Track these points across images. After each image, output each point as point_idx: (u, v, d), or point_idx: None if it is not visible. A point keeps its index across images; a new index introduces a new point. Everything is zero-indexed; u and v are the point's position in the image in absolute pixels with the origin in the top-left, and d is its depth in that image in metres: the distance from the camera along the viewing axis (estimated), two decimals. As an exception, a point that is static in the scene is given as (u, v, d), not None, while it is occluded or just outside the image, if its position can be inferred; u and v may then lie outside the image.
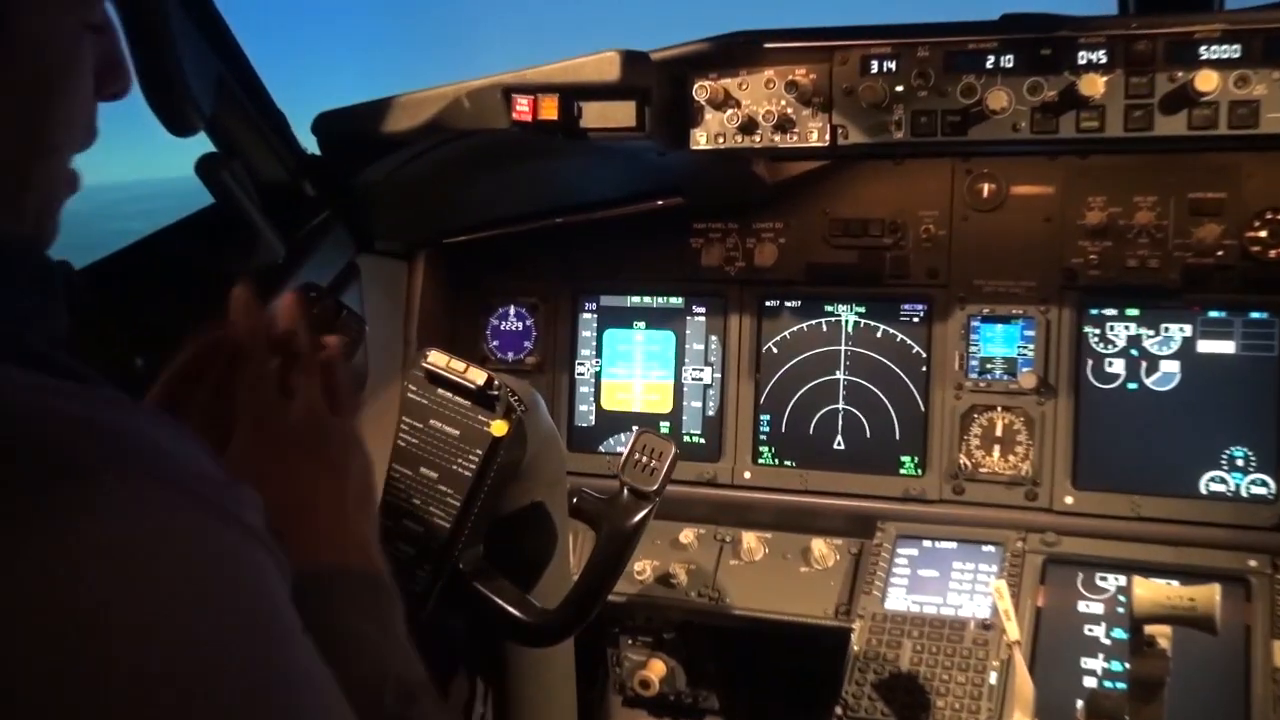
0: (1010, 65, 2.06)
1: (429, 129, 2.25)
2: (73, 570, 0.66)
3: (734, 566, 2.56)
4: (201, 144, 2.05)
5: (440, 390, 1.59)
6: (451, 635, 1.82)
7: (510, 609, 1.58)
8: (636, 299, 2.73)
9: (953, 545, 2.39)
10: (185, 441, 0.79)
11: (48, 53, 0.84)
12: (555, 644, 1.68)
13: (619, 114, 2.14)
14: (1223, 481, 2.29)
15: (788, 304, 2.61)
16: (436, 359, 1.59)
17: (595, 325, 2.76)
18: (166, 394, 1.19)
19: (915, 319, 2.51)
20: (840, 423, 2.56)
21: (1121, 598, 2.22)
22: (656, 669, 2.65)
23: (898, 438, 2.52)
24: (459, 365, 1.58)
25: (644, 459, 1.54)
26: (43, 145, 0.87)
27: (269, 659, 0.74)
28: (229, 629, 0.71)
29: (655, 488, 1.54)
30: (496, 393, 1.56)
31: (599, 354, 2.75)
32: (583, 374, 2.77)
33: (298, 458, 1.14)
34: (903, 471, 2.51)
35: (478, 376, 1.57)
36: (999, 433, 2.43)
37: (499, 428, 1.55)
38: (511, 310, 2.83)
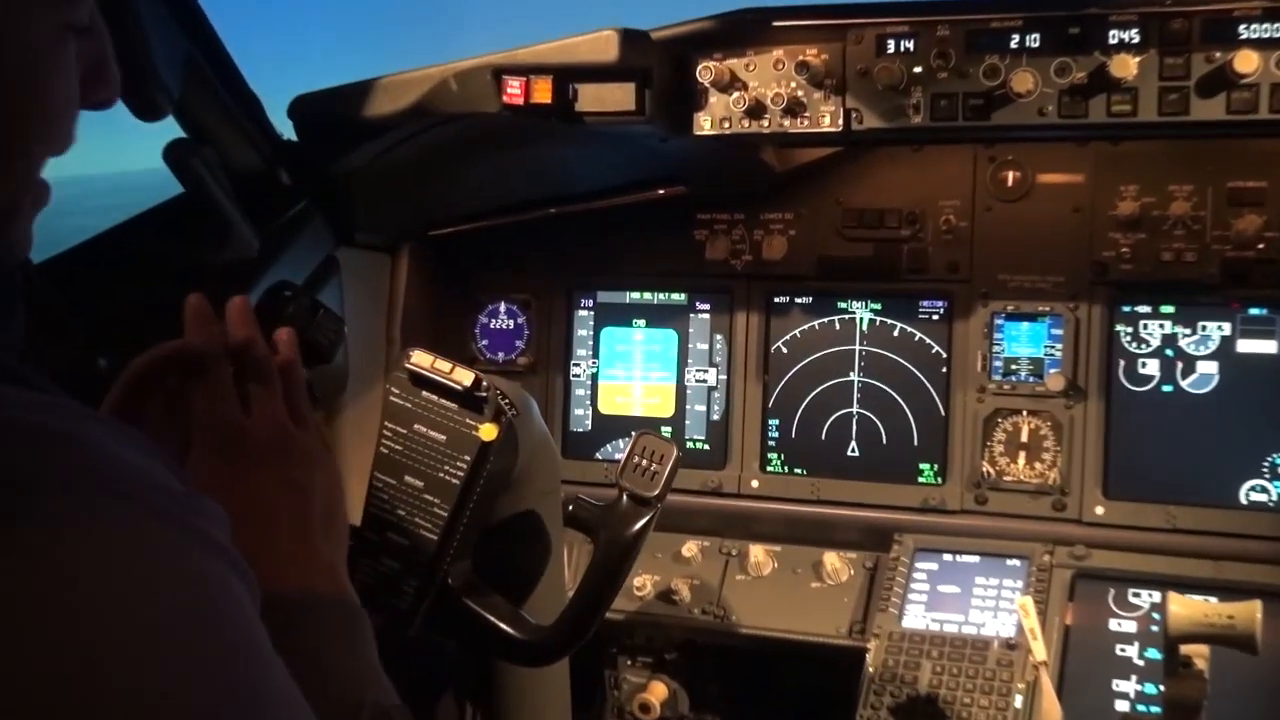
0: (1036, 45, 2.06)
1: (413, 113, 2.25)
2: (30, 589, 0.68)
3: (740, 582, 2.57)
4: (169, 130, 2.06)
5: (425, 393, 1.60)
6: (439, 655, 1.82)
7: (503, 626, 1.58)
8: (636, 295, 2.73)
9: (975, 559, 2.39)
10: (147, 455, 0.80)
11: (24, 53, 0.85)
12: (551, 663, 1.68)
13: (617, 97, 2.14)
14: (1264, 491, 2.29)
15: (798, 300, 2.61)
16: (420, 359, 1.59)
17: (592, 323, 2.76)
18: (118, 405, 1.19)
19: (935, 317, 2.51)
20: (854, 428, 2.56)
21: (1156, 615, 2.22)
22: (657, 691, 2.65)
23: (916, 444, 2.52)
24: (444, 365, 1.58)
25: (644, 462, 1.55)
26: (14, 147, 0.87)
27: (238, 677, 0.75)
28: (194, 647, 0.73)
29: (657, 493, 1.54)
30: (485, 394, 1.56)
31: (596, 354, 2.76)
32: (578, 376, 2.77)
33: (259, 476, 1.15)
34: (921, 480, 2.51)
35: (464, 377, 1.57)
36: (1024, 438, 2.43)
37: (488, 431, 1.55)
38: (502, 307, 2.84)
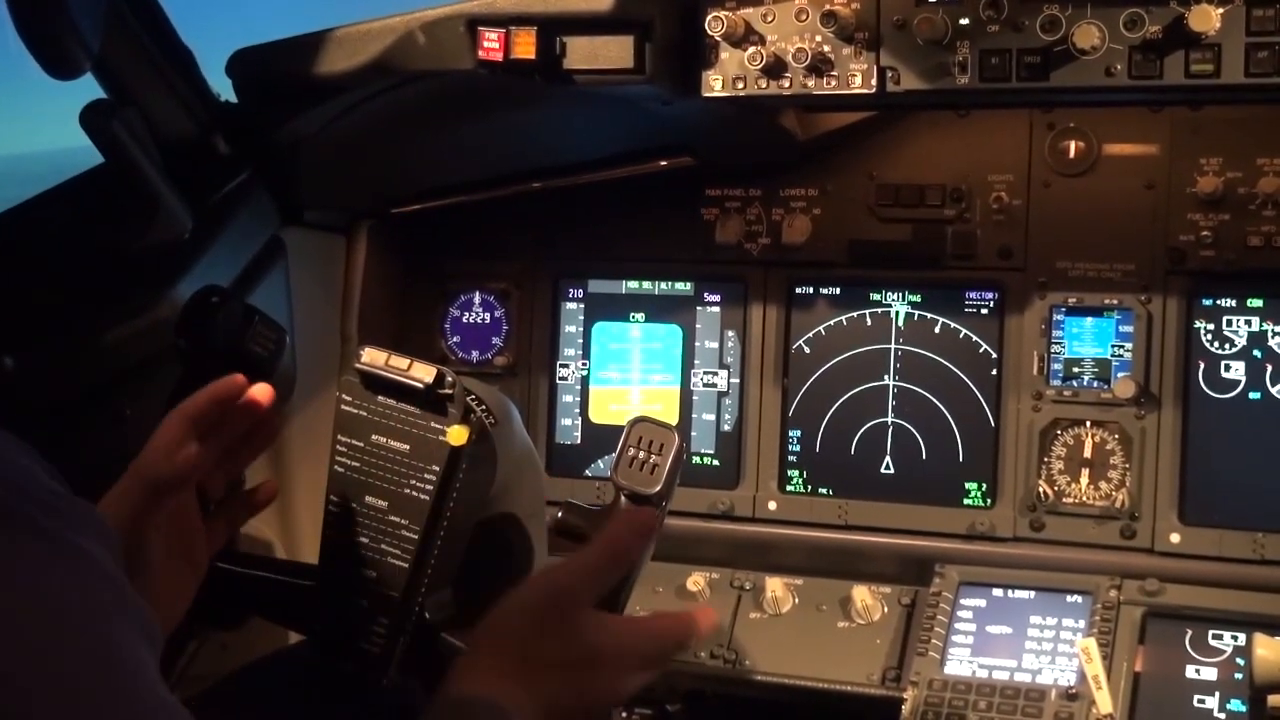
0: (1103, -8, 2.07)
1: (373, 70, 2.26)
2: None
3: (755, 620, 2.57)
4: (88, 91, 2.06)
5: (380, 397, 1.60)
6: (408, 702, 1.82)
7: None
8: (634, 285, 2.74)
9: (1029, 595, 2.40)
10: (20, 453, 0.88)
11: None
12: None
13: (612, 52, 2.15)
14: (1368, 515, 2.30)
15: (823, 291, 2.61)
16: (373, 357, 1.59)
17: (581, 318, 2.77)
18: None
19: (983, 311, 2.52)
20: (889, 441, 2.57)
21: (1240, 660, 2.23)
22: (657, 749, 2.66)
23: (961, 460, 2.53)
24: (401, 362, 1.58)
25: (641, 454, 1.55)
26: None
27: (66, 678, 0.83)
28: (19, 650, 0.81)
29: (658, 489, 1.55)
30: (449, 391, 1.56)
31: (586, 354, 2.76)
32: (566, 379, 2.77)
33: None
34: (967, 502, 2.52)
35: (425, 373, 1.57)
36: (1088, 454, 2.44)
37: (457, 435, 1.55)
38: (476, 298, 2.84)
